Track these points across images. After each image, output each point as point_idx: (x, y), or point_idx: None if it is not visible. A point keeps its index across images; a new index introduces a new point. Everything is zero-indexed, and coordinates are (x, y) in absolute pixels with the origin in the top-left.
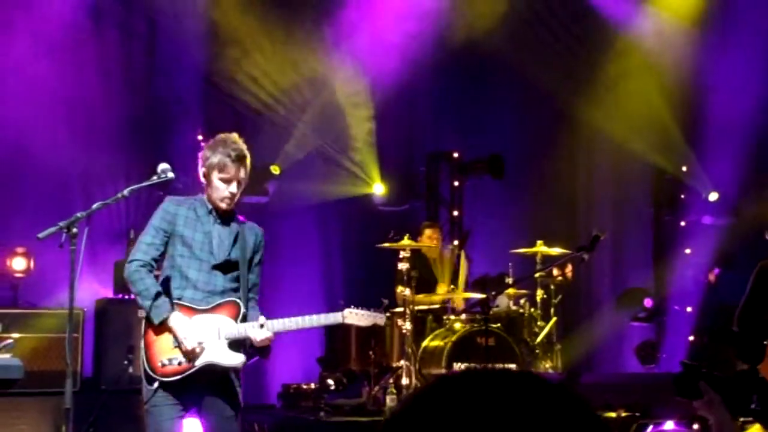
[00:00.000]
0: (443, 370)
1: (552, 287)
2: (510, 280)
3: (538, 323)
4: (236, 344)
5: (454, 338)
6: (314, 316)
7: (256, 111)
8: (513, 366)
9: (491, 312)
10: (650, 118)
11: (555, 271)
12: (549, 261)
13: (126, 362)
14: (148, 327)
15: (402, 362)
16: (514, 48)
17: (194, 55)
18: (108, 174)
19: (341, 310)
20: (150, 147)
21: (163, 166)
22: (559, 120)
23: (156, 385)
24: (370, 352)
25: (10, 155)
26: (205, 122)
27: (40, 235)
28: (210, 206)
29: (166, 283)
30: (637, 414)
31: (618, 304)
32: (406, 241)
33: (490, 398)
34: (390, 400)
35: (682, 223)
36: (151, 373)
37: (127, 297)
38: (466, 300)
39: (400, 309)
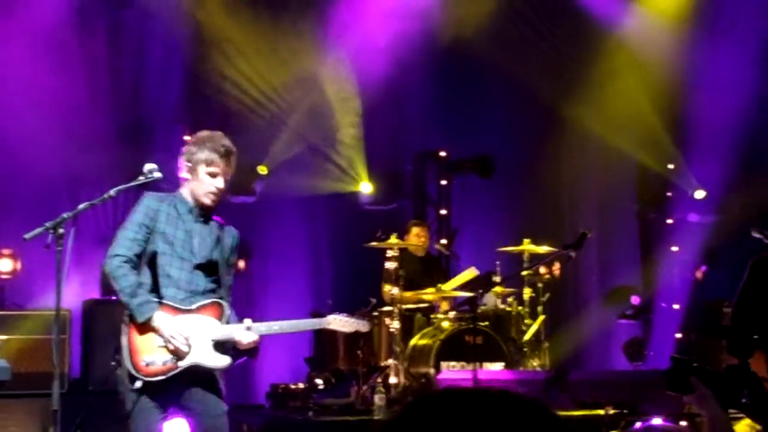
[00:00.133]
0: (432, 369)
1: (539, 285)
2: (497, 279)
3: (526, 321)
4: (220, 346)
5: (442, 337)
6: (299, 321)
7: (243, 111)
8: (501, 364)
9: (479, 310)
10: (637, 117)
11: (542, 270)
12: (536, 259)
13: (114, 363)
14: (131, 325)
15: (390, 361)
16: (502, 47)
17: (181, 55)
18: (95, 175)
19: (329, 308)
20: (137, 148)
21: (149, 166)
22: (547, 119)
23: (139, 384)
24: (358, 352)
25: None
26: (192, 123)
27: (27, 236)
28: (190, 204)
29: (145, 281)
30: (625, 411)
31: (605, 302)
32: (393, 239)
33: (468, 418)
34: (378, 399)
35: (669, 221)
36: (134, 373)
37: (114, 298)
38: (454, 299)
39: (388, 308)
